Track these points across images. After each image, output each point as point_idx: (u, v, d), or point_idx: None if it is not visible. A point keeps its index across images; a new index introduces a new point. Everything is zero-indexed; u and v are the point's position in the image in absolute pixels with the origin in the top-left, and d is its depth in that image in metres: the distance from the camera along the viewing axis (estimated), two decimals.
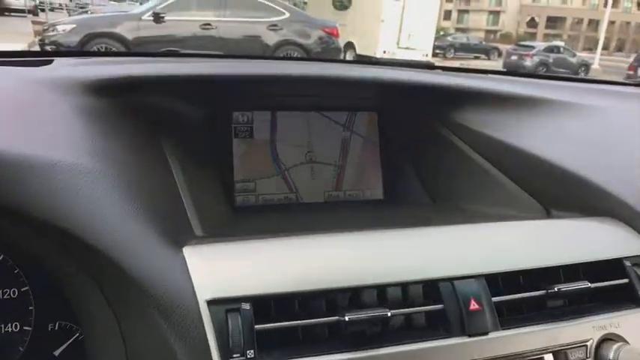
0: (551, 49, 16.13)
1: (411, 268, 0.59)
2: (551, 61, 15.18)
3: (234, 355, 0.50)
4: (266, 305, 0.54)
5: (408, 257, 0.60)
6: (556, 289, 0.61)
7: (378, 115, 0.96)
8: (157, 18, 6.69)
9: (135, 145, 0.64)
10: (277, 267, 0.55)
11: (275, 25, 7.41)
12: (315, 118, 0.93)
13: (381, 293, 0.57)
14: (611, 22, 30.57)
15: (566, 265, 0.64)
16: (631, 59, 14.10)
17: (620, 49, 38.39)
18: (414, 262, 0.60)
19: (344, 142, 0.95)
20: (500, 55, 20.72)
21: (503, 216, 0.76)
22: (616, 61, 21.08)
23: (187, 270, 0.52)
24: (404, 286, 0.58)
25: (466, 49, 21.56)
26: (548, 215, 0.77)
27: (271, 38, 7.38)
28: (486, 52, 22.04)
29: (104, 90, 0.64)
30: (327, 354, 0.53)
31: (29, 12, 18.76)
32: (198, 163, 0.78)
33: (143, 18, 6.73)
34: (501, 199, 0.81)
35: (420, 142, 0.94)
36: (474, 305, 0.57)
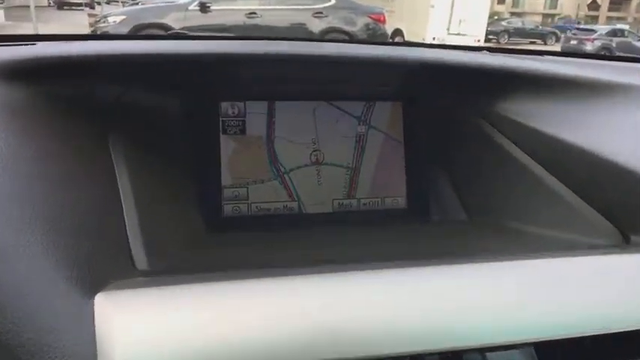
0: (614, 33, 15.18)
1: (423, 330, 0.41)
2: (614, 45, 14.23)
3: None
4: None
5: (421, 312, 0.42)
6: None
7: (402, 105, 0.78)
8: (203, 7, 6.83)
9: (60, 149, 0.48)
10: (227, 326, 0.39)
11: (320, 13, 7.35)
12: (323, 110, 0.76)
13: None
14: None
15: None
16: None
17: None
18: (428, 320, 0.42)
19: (359, 139, 0.77)
20: (558, 39, 19.75)
21: (562, 242, 0.56)
22: None
23: (93, 329, 0.37)
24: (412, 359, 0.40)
25: (521, 33, 20.63)
26: (627, 243, 0.56)
27: (316, 26, 7.30)
28: (543, 36, 21.01)
29: (14, 75, 0.49)
30: None
31: (86, 5, 19.47)
32: (166, 168, 0.62)
33: (190, 8, 6.86)
34: (560, 217, 0.61)
35: (455, 140, 0.75)
36: None
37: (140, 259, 0.49)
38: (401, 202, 0.77)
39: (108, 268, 0.43)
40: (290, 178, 0.74)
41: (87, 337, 0.36)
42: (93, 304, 0.38)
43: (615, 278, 0.48)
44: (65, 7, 20.44)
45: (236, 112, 0.73)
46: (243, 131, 0.73)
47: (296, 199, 0.74)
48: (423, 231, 0.72)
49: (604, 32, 15.05)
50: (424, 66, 0.67)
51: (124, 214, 0.51)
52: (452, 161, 0.75)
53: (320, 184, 0.75)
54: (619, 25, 18.40)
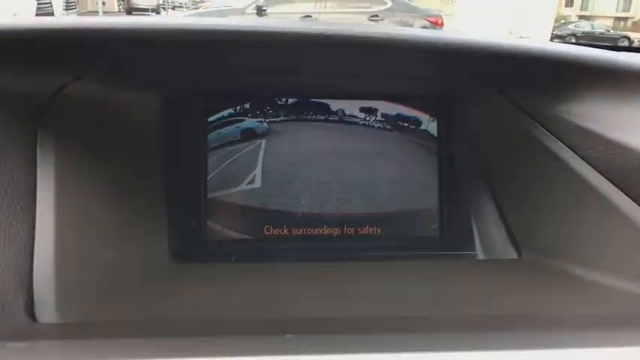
0: None
1: None
2: None
3: None
4: None
5: None
6: None
7: (434, 106, 0.65)
8: (260, 11, 6.95)
9: None
10: None
11: (376, 16, 7.30)
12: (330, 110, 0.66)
13: None
14: None
15: None
16: None
17: None
18: None
19: (381, 149, 0.66)
20: (631, 44, 18.69)
21: None
22: None
23: None
24: None
25: (589, 38, 19.68)
26: None
27: None
28: (614, 41, 19.93)
29: None
30: None
31: (152, 11, 20.30)
32: (110, 187, 0.51)
33: (246, 12, 6.99)
34: None
35: (500, 153, 0.60)
36: None
37: (45, 309, 0.38)
38: (433, 231, 0.64)
39: None
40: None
41: None
42: None
43: None
44: (134, 13, 21.40)
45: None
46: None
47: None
48: (458, 274, 0.57)
49: None
50: (457, 52, 0.50)
51: (35, 244, 0.39)
52: (497, 179, 0.60)
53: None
54: None
